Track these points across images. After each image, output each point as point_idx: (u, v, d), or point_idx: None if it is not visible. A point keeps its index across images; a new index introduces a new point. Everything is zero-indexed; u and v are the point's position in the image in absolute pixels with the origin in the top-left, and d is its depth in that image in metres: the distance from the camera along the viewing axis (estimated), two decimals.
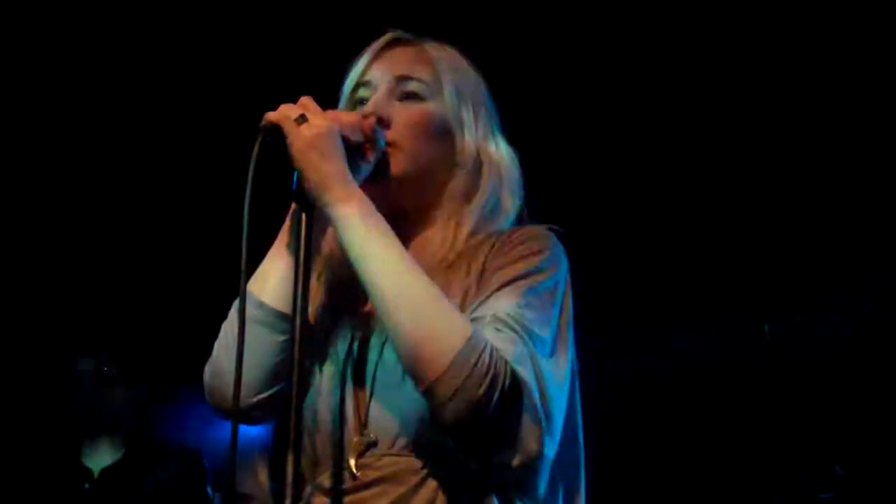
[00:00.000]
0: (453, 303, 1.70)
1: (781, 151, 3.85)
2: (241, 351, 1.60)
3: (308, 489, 1.78)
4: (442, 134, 1.90)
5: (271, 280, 1.76)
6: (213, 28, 3.43)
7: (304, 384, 1.79)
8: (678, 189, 3.98)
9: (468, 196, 1.90)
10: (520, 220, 1.91)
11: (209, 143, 3.51)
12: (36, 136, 3.66)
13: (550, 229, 1.85)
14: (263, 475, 1.94)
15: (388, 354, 1.75)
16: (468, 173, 1.90)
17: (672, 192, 3.99)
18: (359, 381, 1.78)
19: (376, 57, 1.93)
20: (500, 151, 1.94)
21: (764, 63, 3.58)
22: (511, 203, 1.92)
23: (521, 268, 1.75)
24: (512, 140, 1.97)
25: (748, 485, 3.99)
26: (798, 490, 3.89)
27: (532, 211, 1.93)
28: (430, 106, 1.90)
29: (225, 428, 1.67)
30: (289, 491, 1.59)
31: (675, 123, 3.79)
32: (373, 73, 1.91)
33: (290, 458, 1.60)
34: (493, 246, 1.80)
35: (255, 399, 1.76)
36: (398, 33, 1.95)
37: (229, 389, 1.63)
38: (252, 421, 1.81)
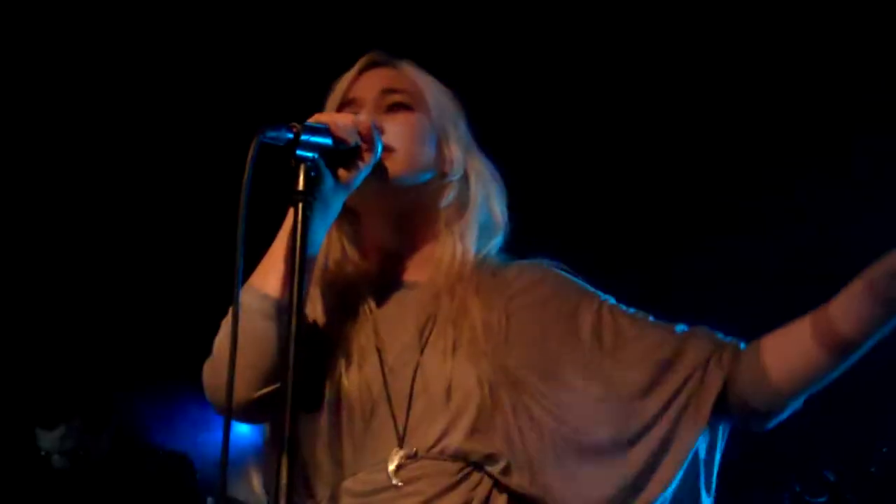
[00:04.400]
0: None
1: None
2: (234, 346, 1.58)
3: (329, 493, 1.79)
4: (430, 142, 1.94)
5: (275, 273, 1.76)
6: (210, 31, 3.43)
7: (318, 388, 1.80)
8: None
9: (462, 206, 1.94)
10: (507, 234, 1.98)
11: (204, 144, 3.51)
12: (31, 140, 3.66)
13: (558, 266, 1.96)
14: (256, 480, 1.93)
15: (429, 368, 1.79)
16: (457, 183, 1.95)
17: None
18: (396, 395, 1.79)
19: (359, 76, 1.97)
20: (483, 164, 1.99)
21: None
22: (501, 215, 1.97)
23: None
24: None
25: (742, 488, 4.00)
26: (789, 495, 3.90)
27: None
28: (418, 114, 1.94)
29: (217, 431, 1.65)
30: (283, 493, 1.58)
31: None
32: (357, 90, 1.95)
33: (283, 461, 1.59)
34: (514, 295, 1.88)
35: (256, 395, 1.74)
36: (379, 55, 2.00)
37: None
38: (253, 419, 1.80)
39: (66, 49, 3.48)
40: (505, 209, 1.98)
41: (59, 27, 3.45)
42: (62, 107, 3.59)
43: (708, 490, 1.86)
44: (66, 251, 3.84)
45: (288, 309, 1.66)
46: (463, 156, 1.96)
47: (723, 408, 1.81)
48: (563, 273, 1.95)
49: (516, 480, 1.77)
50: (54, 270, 3.87)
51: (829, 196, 3.70)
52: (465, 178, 1.96)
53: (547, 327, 1.86)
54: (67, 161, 3.70)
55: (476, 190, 1.95)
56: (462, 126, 2.00)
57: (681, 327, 1.88)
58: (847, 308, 1.72)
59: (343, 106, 1.94)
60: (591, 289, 1.94)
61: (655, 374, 1.82)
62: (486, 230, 1.95)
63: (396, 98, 1.93)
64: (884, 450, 3.81)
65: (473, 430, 1.76)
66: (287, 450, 1.58)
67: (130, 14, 3.40)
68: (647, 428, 1.79)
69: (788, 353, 1.78)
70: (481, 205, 1.95)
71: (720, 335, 1.87)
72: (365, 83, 1.95)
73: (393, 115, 1.91)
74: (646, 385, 1.81)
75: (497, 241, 1.96)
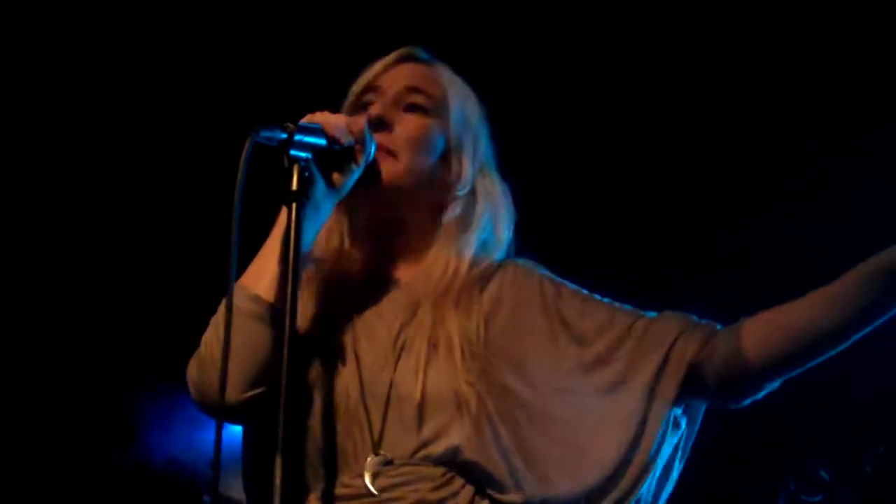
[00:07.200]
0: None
1: None
2: (227, 345, 1.59)
3: (311, 497, 1.78)
4: (440, 152, 1.93)
5: (266, 275, 1.76)
6: (207, 31, 3.43)
7: (302, 389, 1.79)
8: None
9: (464, 223, 1.93)
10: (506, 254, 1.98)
11: (198, 144, 3.51)
12: (28, 140, 3.66)
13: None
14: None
15: (402, 375, 1.79)
16: (463, 199, 1.94)
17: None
18: (372, 402, 1.79)
19: (391, 66, 1.96)
20: (495, 184, 1.98)
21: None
22: (504, 237, 1.96)
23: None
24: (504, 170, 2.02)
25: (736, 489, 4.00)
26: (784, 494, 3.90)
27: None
28: (433, 122, 1.92)
29: (212, 429, 1.65)
30: (277, 493, 1.58)
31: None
32: (384, 79, 1.94)
33: (278, 462, 1.59)
34: (496, 285, 1.90)
35: (243, 396, 1.73)
36: (415, 50, 1.99)
37: (216, 385, 1.61)
38: (238, 419, 1.80)
39: (65, 49, 3.48)
40: (510, 232, 1.97)
41: (59, 27, 3.45)
42: (59, 106, 3.59)
43: (680, 461, 1.89)
44: (62, 249, 3.83)
45: (279, 311, 1.67)
46: (474, 172, 1.95)
47: (697, 386, 1.83)
48: (541, 272, 1.96)
49: (498, 488, 1.77)
50: (49, 267, 3.87)
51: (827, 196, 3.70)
52: (473, 195, 1.94)
53: (523, 332, 1.87)
54: (57, 160, 3.69)
55: (482, 210, 1.94)
56: (481, 142, 1.98)
57: (652, 314, 1.91)
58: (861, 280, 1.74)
59: (366, 91, 1.94)
60: (567, 283, 1.95)
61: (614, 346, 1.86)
62: (484, 246, 1.94)
63: (417, 99, 1.92)
64: (880, 448, 3.82)
65: (454, 439, 1.76)
66: (281, 450, 1.59)
67: (129, 14, 3.40)
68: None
69: (770, 332, 1.80)
70: (485, 225, 1.94)
71: (695, 318, 1.89)
72: (393, 75, 1.94)
73: (407, 115, 1.91)
74: (602, 355, 1.85)
75: (494, 257, 1.95)
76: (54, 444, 3.91)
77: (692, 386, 1.83)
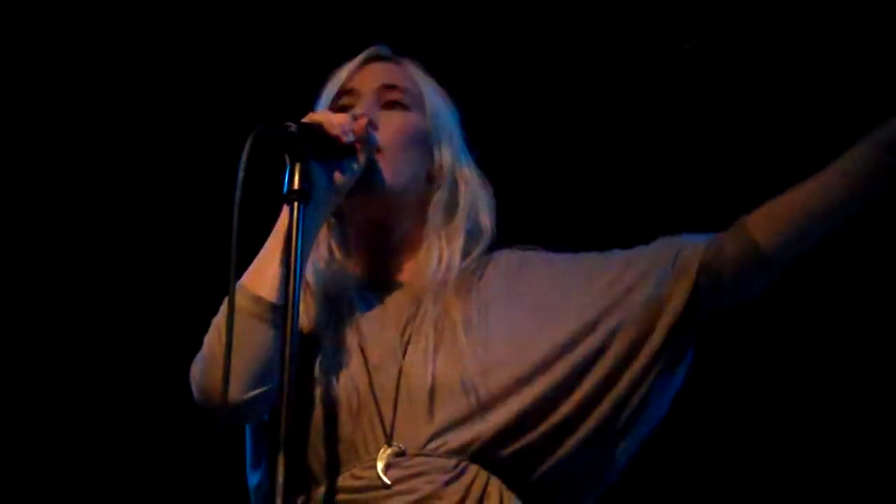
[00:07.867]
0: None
1: None
2: (229, 344, 1.59)
3: (321, 490, 1.78)
4: (423, 145, 1.95)
5: (267, 275, 1.76)
6: (208, 30, 3.44)
7: (307, 386, 1.80)
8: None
9: (449, 212, 1.95)
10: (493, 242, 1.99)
11: (199, 143, 3.51)
12: (27, 139, 3.66)
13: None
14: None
15: (411, 369, 1.80)
16: (446, 189, 1.96)
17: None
18: (381, 393, 1.80)
19: (361, 67, 1.98)
20: (473, 172, 2.00)
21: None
22: (490, 224, 1.98)
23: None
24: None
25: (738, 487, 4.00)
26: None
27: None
28: (414, 116, 1.95)
29: None
30: (280, 491, 1.58)
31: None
32: (356, 81, 1.96)
33: (280, 460, 1.59)
34: (488, 273, 1.93)
35: (246, 396, 1.73)
36: (383, 49, 2.01)
37: (219, 385, 1.61)
38: (242, 419, 1.80)
39: (64, 48, 3.48)
40: (493, 218, 1.99)
41: (58, 26, 3.45)
42: (58, 106, 3.59)
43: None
44: (62, 252, 3.83)
45: (281, 311, 1.67)
46: (453, 162, 1.97)
47: (712, 287, 1.85)
48: (533, 251, 1.98)
49: (514, 467, 1.79)
50: (48, 269, 3.86)
51: None
52: (454, 184, 1.97)
53: (521, 308, 1.88)
54: (53, 169, 3.69)
55: (464, 197, 1.96)
56: (456, 133, 2.01)
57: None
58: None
59: (341, 95, 1.95)
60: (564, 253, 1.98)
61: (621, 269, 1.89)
62: (472, 236, 1.96)
63: (395, 96, 1.94)
64: (828, 472, 3.82)
65: (466, 428, 1.77)
66: (284, 448, 1.59)
67: (128, 13, 3.41)
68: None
69: (780, 217, 1.82)
70: (469, 212, 1.96)
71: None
72: (366, 75, 1.96)
73: (389, 112, 1.92)
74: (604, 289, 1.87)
75: (483, 245, 1.97)
76: None
77: (708, 288, 1.85)
